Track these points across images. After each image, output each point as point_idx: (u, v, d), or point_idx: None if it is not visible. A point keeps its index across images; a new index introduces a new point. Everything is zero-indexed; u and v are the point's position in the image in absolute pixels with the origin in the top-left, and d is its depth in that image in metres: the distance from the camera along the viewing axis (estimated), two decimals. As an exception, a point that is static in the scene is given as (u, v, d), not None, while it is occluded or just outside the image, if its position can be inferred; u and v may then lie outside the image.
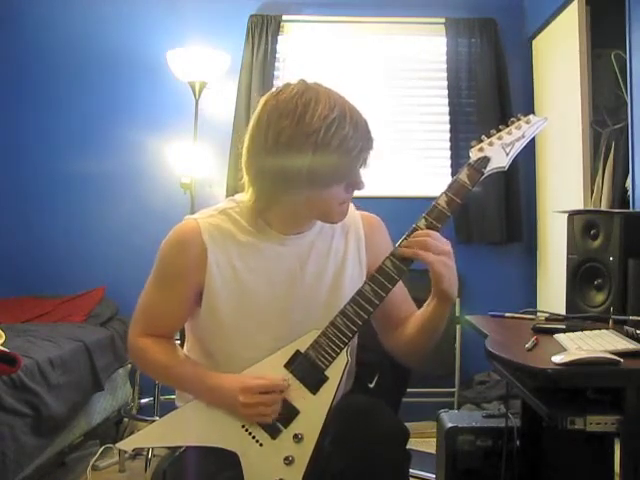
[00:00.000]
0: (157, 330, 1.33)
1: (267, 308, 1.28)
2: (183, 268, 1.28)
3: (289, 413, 1.21)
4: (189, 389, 1.30)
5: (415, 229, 1.20)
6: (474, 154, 1.24)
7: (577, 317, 1.84)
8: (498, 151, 1.24)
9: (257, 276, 1.28)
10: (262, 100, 1.23)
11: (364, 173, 1.25)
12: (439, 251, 1.17)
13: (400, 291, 1.33)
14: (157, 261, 1.31)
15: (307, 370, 1.21)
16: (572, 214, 2.10)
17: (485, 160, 1.23)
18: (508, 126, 1.26)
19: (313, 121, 1.15)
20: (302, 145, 1.16)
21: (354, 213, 1.39)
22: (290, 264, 1.30)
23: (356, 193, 1.29)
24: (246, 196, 1.28)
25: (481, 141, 1.25)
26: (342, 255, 1.34)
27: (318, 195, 1.21)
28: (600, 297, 1.91)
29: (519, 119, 1.27)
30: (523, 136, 1.25)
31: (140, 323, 1.34)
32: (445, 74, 3.37)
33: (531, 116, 1.28)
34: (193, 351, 1.36)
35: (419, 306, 1.32)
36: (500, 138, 1.25)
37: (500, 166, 1.24)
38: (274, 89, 1.24)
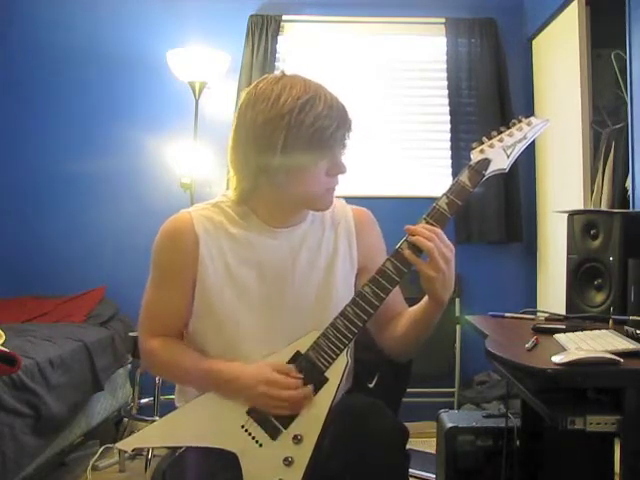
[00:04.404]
0: (163, 329, 1.32)
1: (259, 300, 1.29)
2: (178, 260, 1.28)
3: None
4: (201, 384, 1.28)
5: (416, 230, 1.20)
6: (475, 156, 1.24)
7: (577, 317, 1.84)
8: (499, 153, 1.24)
9: (248, 268, 1.29)
10: (243, 92, 1.27)
11: (345, 157, 1.26)
12: (440, 252, 1.17)
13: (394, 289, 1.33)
14: (152, 255, 1.31)
15: (307, 371, 1.21)
16: (572, 214, 2.10)
17: (486, 162, 1.23)
18: (509, 128, 1.26)
19: (287, 102, 1.18)
20: (276, 126, 1.17)
21: (345, 207, 1.40)
22: (282, 257, 1.30)
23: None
24: (231, 187, 1.30)
25: (482, 143, 1.25)
26: (333, 248, 1.34)
27: (297, 180, 1.22)
28: (600, 297, 1.91)
29: (520, 121, 1.27)
30: (524, 138, 1.25)
31: (145, 324, 1.34)
32: (445, 74, 3.37)
33: (532, 118, 1.27)
34: None
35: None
36: (501, 140, 1.25)
37: (501, 168, 1.24)
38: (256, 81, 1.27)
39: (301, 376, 1.20)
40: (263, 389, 1.19)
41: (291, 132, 1.17)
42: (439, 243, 1.17)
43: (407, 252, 1.18)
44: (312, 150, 1.20)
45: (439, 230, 1.18)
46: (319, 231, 1.35)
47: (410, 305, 1.34)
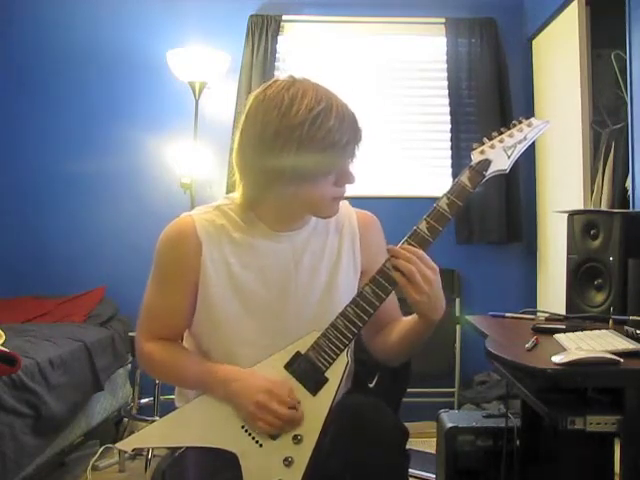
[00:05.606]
0: (162, 331, 1.32)
1: (261, 305, 1.28)
2: (180, 264, 1.28)
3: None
4: (198, 385, 1.28)
5: (416, 231, 1.20)
6: (475, 156, 1.24)
7: (577, 317, 1.84)
8: (499, 154, 1.24)
9: (251, 273, 1.28)
10: (251, 95, 1.24)
11: (354, 167, 1.25)
12: (422, 274, 1.15)
13: (394, 289, 1.33)
14: (155, 258, 1.31)
15: (307, 371, 1.21)
16: (572, 214, 2.10)
17: (486, 163, 1.23)
18: (510, 129, 1.26)
19: (298, 114, 1.15)
20: (287, 139, 1.16)
21: (349, 210, 1.39)
22: (284, 261, 1.30)
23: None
24: (237, 192, 1.28)
25: (482, 143, 1.25)
26: (337, 252, 1.34)
27: (306, 190, 1.21)
28: (600, 297, 1.91)
29: (521, 122, 1.27)
30: (525, 139, 1.25)
31: (145, 326, 1.34)
32: (445, 74, 3.37)
33: (533, 119, 1.28)
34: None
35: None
36: (502, 141, 1.25)
37: (501, 169, 1.24)
38: (264, 85, 1.25)
39: (298, 400, 1.19)
40: (262, 398, 1.18)
41: (302, 145, 1.16)
42: (420, 265, 1.16)
43: (396, 274, 1.17)
44: (322, 162, 1.18)
45: (421, 252, 1.17)
46: (323, 234, 1.34)
47: (404, 306, 1.34)
